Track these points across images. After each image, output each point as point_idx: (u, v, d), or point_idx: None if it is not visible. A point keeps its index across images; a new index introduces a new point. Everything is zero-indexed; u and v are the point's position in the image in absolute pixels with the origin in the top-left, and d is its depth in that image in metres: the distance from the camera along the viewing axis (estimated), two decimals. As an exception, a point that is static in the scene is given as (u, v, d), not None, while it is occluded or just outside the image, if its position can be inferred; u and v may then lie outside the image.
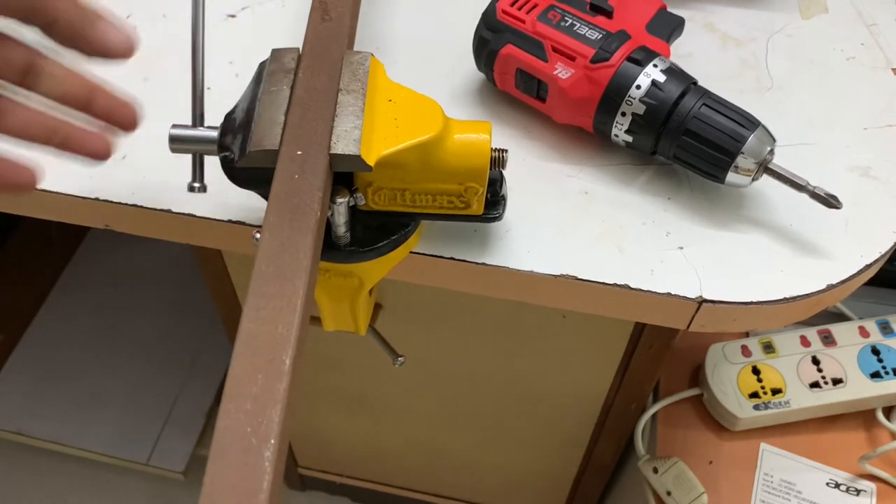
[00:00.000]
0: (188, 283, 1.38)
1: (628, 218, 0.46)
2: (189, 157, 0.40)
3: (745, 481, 0.74)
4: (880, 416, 0.75)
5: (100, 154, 0.38)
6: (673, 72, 0.44)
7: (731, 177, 0.43)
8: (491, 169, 0.39)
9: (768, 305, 0.42)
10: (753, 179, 0.44)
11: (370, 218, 0.40)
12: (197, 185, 0.39)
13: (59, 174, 0.47)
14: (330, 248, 0.39)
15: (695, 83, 0.45)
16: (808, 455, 0.75)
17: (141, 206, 0.46)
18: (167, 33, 0.54)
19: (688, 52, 0.54)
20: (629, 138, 0.45)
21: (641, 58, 0.44)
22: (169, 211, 0.46)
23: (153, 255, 1.41)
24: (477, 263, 0.44)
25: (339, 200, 0.36)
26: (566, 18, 0.47)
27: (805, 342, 0.77)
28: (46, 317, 1.37)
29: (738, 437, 0.76)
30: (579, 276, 0.43)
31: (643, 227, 0.45)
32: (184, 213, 0.46)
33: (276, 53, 0.39)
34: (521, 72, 0.47)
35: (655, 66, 0.44)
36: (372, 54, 0.39)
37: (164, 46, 0.53)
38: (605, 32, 0.45)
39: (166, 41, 0.51)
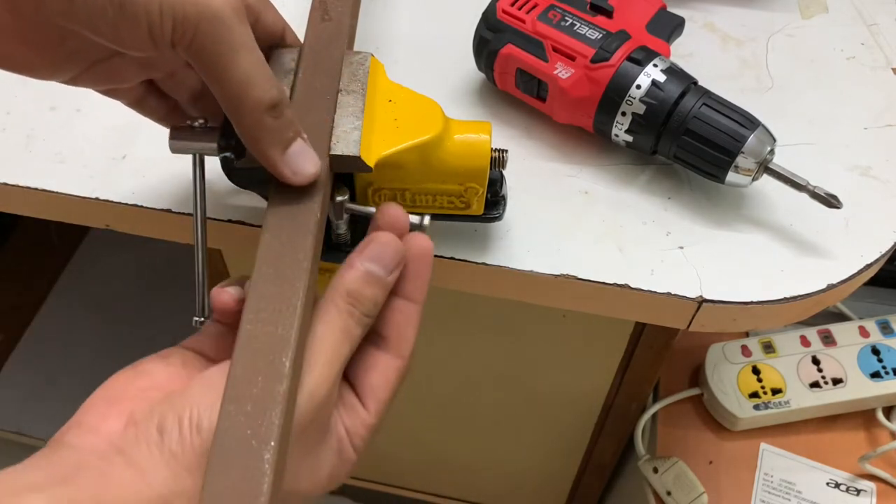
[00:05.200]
0: (188, 283, 1.38)
1: (628, 218, 0.46)
2: (189, 157, 0.40)
3: (745, 481, 0.73)
4: (880, 416, 0.75)
5: None
6: (673, 71, 0.44)
7: (731, 176, 0.43)
8: (491, 169, 0.39)
9: (768, 305, 0.42)
10: (753, 179, 0.44)
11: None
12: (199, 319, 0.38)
13: (60, 174, 0.47)
14: (330, 248, 0.39)
15: (695, 83, 0.45)
16: (808, 455, 0.75)
17: (141, 206, 0.46)
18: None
19: (688, 51, 0.54)
20: (629, 138, 0.45)
21: (641, 57, 0.44)
22: (169, 211, 0.46)
23: (153, 255, 1.41)
24: (477, 263, 0.44)
25: (339, 198, 0.36)
26: (566, 18, 0.47)
27: (805, 342, 0.77)
28: (46, 317, 1.36)
29: (738, 437, 0.76)
30: (579, 276, 0.43)
31: (643, 227, 0.45)
32: (184, 213, 0.46)
33: (275, 53, 0.39)
34: (522, 72, 0.47)
35: (655, 65, 0.44)
36: (372, 54, 0.39)
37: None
38: (605, 32, 0.45)
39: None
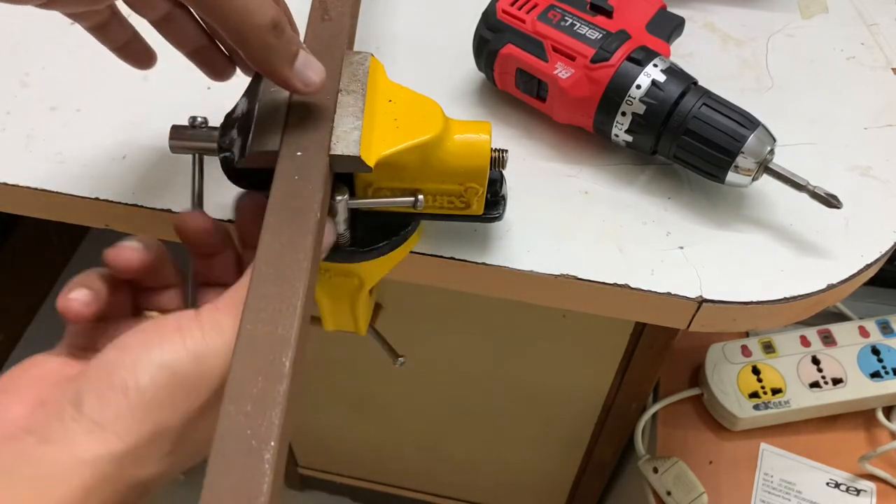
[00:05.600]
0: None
1: (628, 218, 0.46)
2: (189, 157, 0.40)
3: (745, 481, 0.74)
4: (880, 416, 0.75)
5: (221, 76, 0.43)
6: (673, 71, 0.44)
7: (731, 176, 0.43)
8: (491, 169, 0.39)
9: (768, 305, 0.42)
10: (753, 179, 0.44)
11: (370, 218, 0.40)
12: None
13: (60, 174, 0.47)
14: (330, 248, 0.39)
15: (695, 83, 0.45)
16: (808, 455, 0.75)
17: (141, 206, 0.46)
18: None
19: (688, 51, 0.54)
20: (629, 138, 0.45)
21: (641, 57, 0.44)
22: (169, 211, 0.46)
23: (153, 255, 1.41)
24: (477, 263, 0.44)
25: (339, 198, 0.36)
26: (566, 18, 0.47)
27: (805, 342, 0.77)
28: (46, 317, 1.37)
29: (738, 437, 0.76)
30: (579, 276, 0.43)
31: (643, 227, 0.45)
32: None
33: None
34: (521, 72, 0.47)
35: (655, 65, 0.44)
36: (372, 54, 0.39)
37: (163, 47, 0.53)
38: (605, 32, 0.45)
39: (165, 42, 0.51)
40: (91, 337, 0.34)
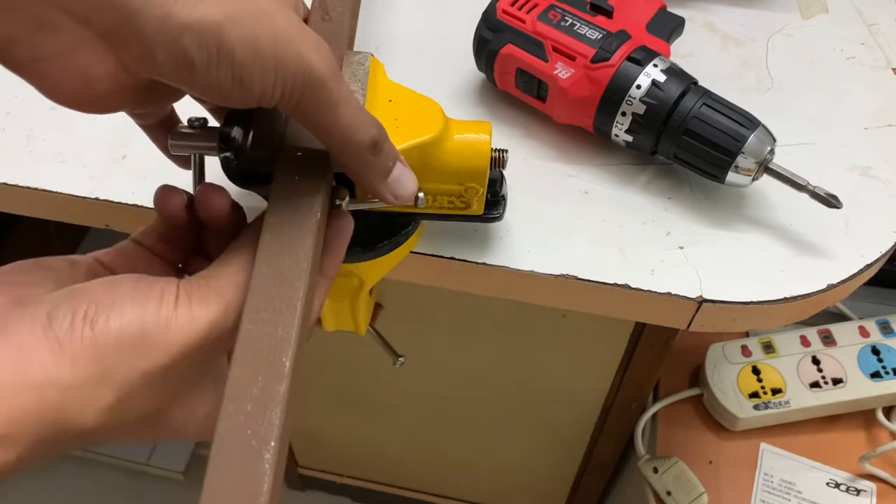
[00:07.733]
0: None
1: (628, 218, 0.46)
2: (189, 157, 0.40)
3: (745, 481, 0.74)
4: (880, 416, 0.75)
5: None
6: (673, 71, 0.44)
7: (731, 176, 0.43)
8: (491, 169, 0.39)
9: (768, 305, 0.42)
10: (754, 179, 0.44)
11: (370, 218, 0.40)
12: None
13: (60, 174, 0.47)
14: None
15: (695, 83, 0.45)
16: (808, 455, 0.75)
17: (141, 206, 0.46)
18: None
19: (688, 51, 0.54)
20: (629, 138, 0.45)
21: (641, 57, 0.44)
22: (169, 211, 0.46)
23: (153, 255, 1.41)
24: (477, 263, 0.44)
25: (339, 202, 0.36)
26: (566, 18, 0.47)
27: (805, 342, 0.77)
28: (46, 317, 1.36)
29: (738, 437, 0.76)
30: (579, 276, 0.43)
31: (643, 227, 0.45)
32: (184, 214, 0.45)
33: None
34: (522, 72, 0.47)
35: (655, 65, 0.44)
36: (372, 54, 0.39)
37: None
38: (605, 32, 0.45)
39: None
40: (129, 262, 0.35)
